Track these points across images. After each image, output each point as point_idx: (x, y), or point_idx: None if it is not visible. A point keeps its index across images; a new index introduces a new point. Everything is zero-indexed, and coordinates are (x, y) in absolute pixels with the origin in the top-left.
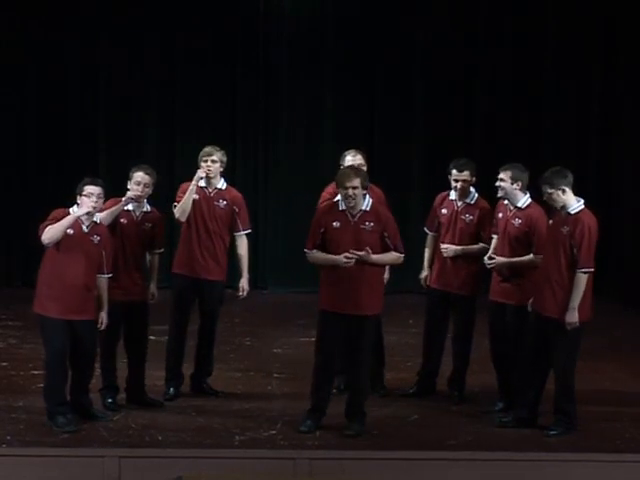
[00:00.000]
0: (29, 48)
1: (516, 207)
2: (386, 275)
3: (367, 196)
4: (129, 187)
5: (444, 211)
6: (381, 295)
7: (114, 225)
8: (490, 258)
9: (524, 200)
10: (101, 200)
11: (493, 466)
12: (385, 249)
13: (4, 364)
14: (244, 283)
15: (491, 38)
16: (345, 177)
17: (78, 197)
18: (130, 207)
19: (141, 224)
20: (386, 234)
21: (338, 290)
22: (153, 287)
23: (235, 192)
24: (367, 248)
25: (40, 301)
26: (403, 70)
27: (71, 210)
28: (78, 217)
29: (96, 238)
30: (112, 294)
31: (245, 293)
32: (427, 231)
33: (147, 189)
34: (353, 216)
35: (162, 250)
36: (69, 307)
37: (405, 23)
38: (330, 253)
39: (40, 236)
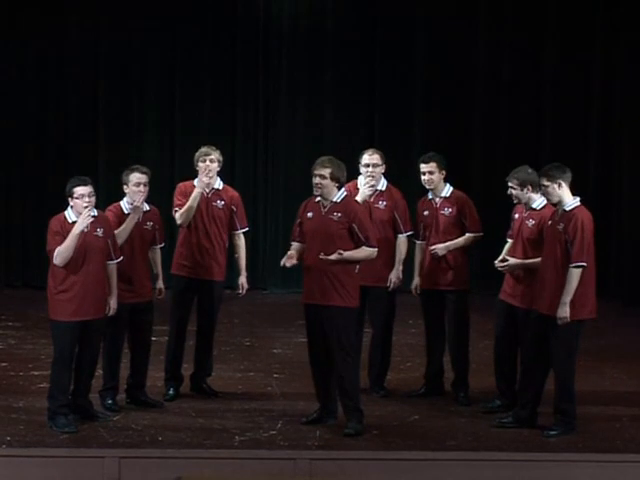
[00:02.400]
0: (29, 48)
1: (531, 208)
2: (397, 274)
3: (342, 189)
4: (126, 191)
5: (425, 213)
6: (352, 289)
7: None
8: (502, 261)
9: (539, 202)
10: (93, 197)
11: (493, 466)
12: (355, 242)
13: (4, 364)
14: (243, 281)
15: (491, 37)
16: (316, 164)
17: (70, 200)
18: (138, 217)
19: (143, 224)
20: (355, 226)
21: (307, 282)
22: (160, 283)
23: (232, 191)
24: (339, 250)
25: (55, 307)
26: (404, 70)
27: (66, 214)
28: (81, 230)
29: (100, 231)
30: (121, 296)
31: (244, 291)
32: (414, 240)
33: (146, 187)
34: (325, 207)
35: (163, 245)
36: (86, 307)
37: (405, 23)
38: (306, 243)
39: (51, 259)
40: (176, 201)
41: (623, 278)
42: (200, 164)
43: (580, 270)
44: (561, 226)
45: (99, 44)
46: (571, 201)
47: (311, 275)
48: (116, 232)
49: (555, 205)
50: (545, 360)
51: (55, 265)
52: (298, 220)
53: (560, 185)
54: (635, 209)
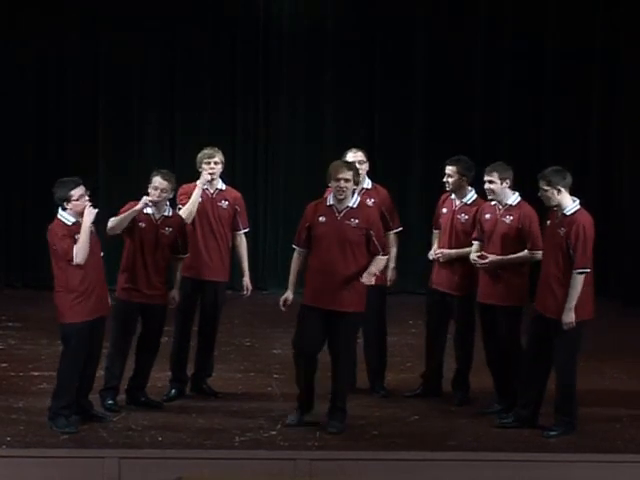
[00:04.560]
0: (29, 48)
1: (506, 205)
2: (392, 276)
3: (355, 194)
4: (149, 191)
5: (444, 210)
6: (364, 294)
7: (132, 228)
8: (481, 257)
9: (514, 198)
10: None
11: (493, 466)
12: (368, 248)
13: (4, 365)
14: (247, 282)
15: (491, 37)
16: (338, 169)
17: (66, 203)
18: (150, 211)
19: (160, 228)
20: (373, 233)
21: (316, 285)
22: (175, 292)
23: (235, 192)
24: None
25: (72, 310)
26: (404, 70)
27: (62, 219)
28: (91, 228)
29: (93, 228)
30: (130, 296)
31: (249, 292)
32: (434, 230)
33: (164, 194)
34: (339, 212)
35: (187, 255)
36: (98, 305)
37: (405, 23)
38: (315, 248)
39: (69, 259)
40: (182, 200)
41: (623, 278)
42: (204, 166)
43: (584, 275)
44: (562, 230)
45: (99, 44)
46: (570, 205)
47: (324, 280)
48: (115, 219)
49: (553, 207)
50: (546, 360)
51: (70, 267)
52: (307, 224)
53: (559, 191)
54: (635, 209)
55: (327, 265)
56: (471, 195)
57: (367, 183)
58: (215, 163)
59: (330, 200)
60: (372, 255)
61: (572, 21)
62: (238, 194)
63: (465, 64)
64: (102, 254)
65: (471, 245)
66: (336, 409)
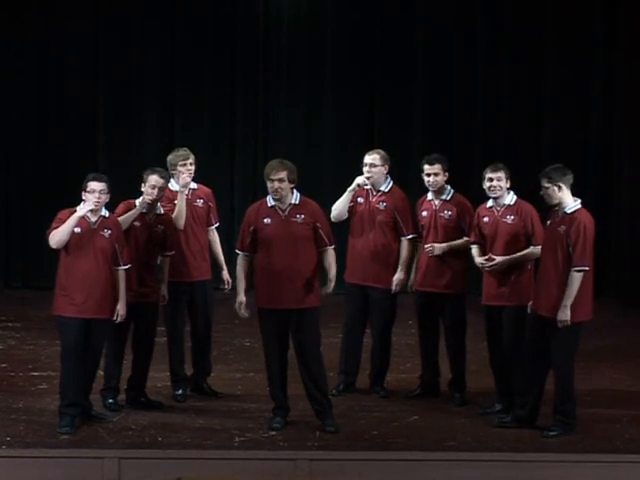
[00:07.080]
0: (28, 47)
1: (504, 205)
2: (400, 276)
3: (295, 190)
4: (143, 189)
5: (424, 213)
6: (318, 288)
7: (128, 228)
8: (488, 260)
9: (511, 197)
10: (105, 196)
11: (493, 467)
12: (317, 242)
13: (3, 365)
14: (227, 276)
15: (491, 37)
16: (271, 169)
17: (83, 194)
18: (143, 210)
19: (154, 226)
20: (319, 225)
21: (272, 287)
22: (164, 289)
23: (206, 188)
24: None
25: (56, 303)
26: (404, 70)
27: (77, 208)
28: (81, 216)
29: (107, 232)
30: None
31: (230, 285)
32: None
33: (161, 192)
34: (283, 210)
35: (173, 252)
36: (85, 305)
37: (405, 21)
38: (262, 251)
39: (48, 241)
40: (163, 206)
41: (623, 278)
42: (180, 168)
43: (582, 274)
44: (562, 229)
45: (99, 44)
46: (572, 203)
47: (279, 280)
48: (119, 218)
49: (554, 207)
50: (544, 361)
51: (62, 258)
52: (251, 227)
53: (560, 188)
54: (635, 210)
55: (279, 265)
56: (448, 191)
57: (385, 186)
58: (190, 164)
59: (271, 201)
60: (320, 248)
61: (572, 21)
62: (209, 190)
63: (465, 64)
64: (124, 266)
65: (458, 239)
66: (323, 408)
